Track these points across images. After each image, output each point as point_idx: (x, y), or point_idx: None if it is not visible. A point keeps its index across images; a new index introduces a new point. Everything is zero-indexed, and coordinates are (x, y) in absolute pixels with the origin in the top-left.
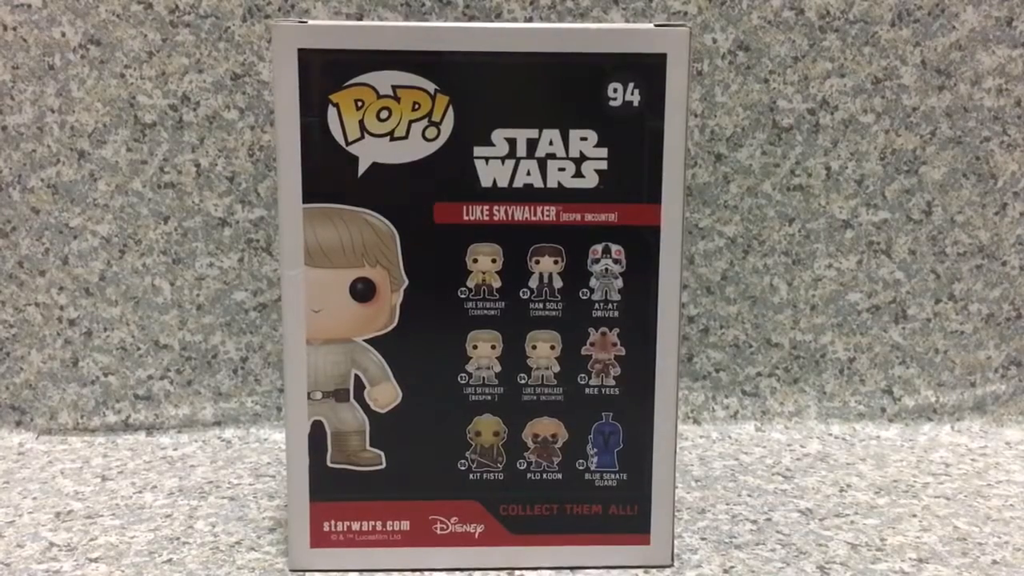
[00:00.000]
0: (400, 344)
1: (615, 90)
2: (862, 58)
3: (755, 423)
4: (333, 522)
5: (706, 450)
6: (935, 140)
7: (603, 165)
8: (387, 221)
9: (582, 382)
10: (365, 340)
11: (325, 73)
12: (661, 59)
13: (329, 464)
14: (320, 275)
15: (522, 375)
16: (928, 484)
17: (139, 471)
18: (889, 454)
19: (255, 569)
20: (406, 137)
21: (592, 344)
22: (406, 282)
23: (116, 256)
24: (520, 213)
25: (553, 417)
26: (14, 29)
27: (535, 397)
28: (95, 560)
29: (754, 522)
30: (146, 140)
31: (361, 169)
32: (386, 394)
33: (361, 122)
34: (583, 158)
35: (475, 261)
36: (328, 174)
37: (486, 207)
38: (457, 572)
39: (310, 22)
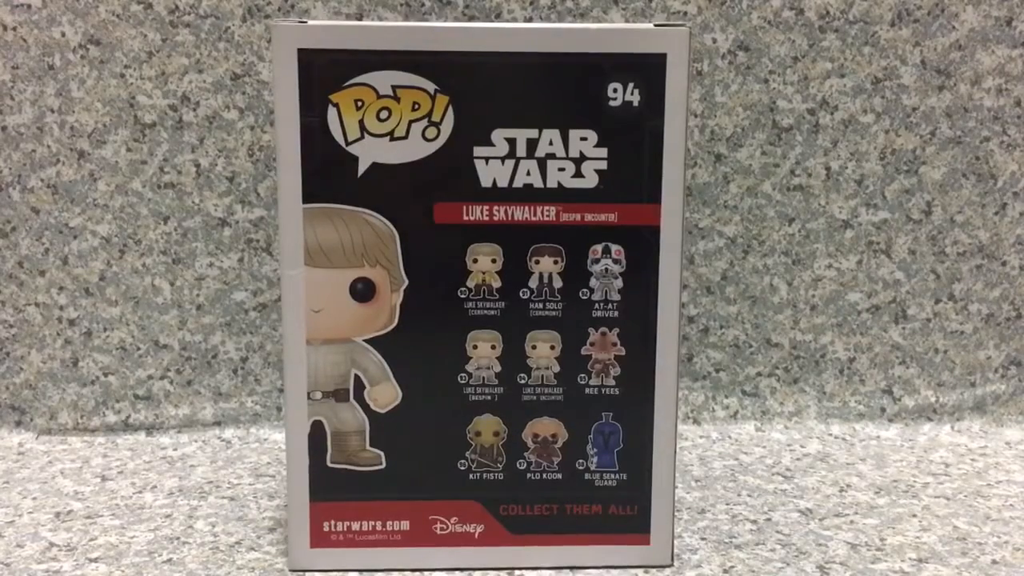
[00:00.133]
0: (400, 344)
1: (615, 90)
2: (862, 58)
3: (755, 423)
4: (333, 522)
5: (706, 450)
6: (935, 140)
7: (603, 165)
8: (387, 221)
9: (582, 382)
10: (365, 340)
11: (325, 73)
12: (661, 59)
13: (329, 464)
14: (320, 275)
15: (522, 375)
16: (928, 484)
17: (139, 471)
18: (889, 454)
19: (255, 569)
20: (406, 137)
21: (592, 344)
22: (406, 282)
23: (116, 256)
24: (520, 213)
25: (553, 417)
26: (14, 29)
27: (535, 397)
28: (95, 560)
29: (754, 522)
30: (146, 140)
31: (361, 169)
32: (386, 394)
33: (361, 122)
34: (583, 158)
35: (475, 261)
36: (328, 174)
37: (486, 207)
38: (457, 572)
39: (310, 22)
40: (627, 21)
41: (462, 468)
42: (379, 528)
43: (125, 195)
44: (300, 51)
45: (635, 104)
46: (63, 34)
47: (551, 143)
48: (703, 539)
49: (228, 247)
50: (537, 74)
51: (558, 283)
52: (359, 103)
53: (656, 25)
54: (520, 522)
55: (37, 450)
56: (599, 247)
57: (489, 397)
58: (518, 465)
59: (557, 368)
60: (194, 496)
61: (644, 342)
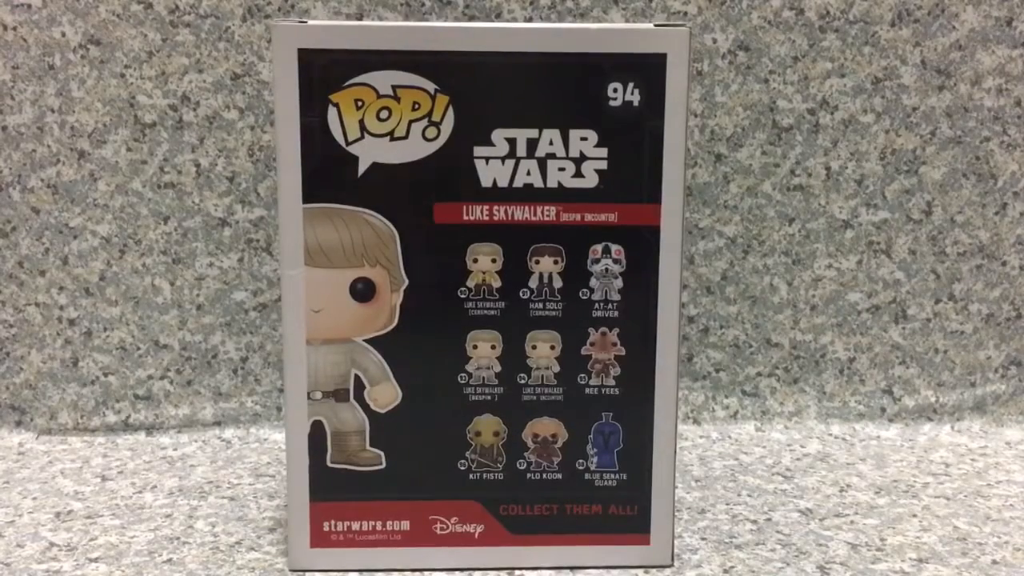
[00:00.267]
0: (400, 344)
1: (615, 90)
2: (862, 58)
3: (755, 423)
4: (333, 522)
5: (706, 450)
6: (935, 140)
7: (603, 165)
8: (387, 221)
9: (582, 382)
10: (365, 340)
11: (325, 73)
12: (661, 59)
13: (329, 464)
14: (320, 275)
15: (522, 375)
16: (928, 484)
17: (139, 471)
18: (889, 454)
19: (255, 569)
20: (406, 137)
21: (592, 344)
22: (406, 282)
23: (116, 256)
24: (520, 213)
25: (553, 417)
26: (14, 29)
27: (535, 397)
28: (95, 560)
29: (754, 522)
30: (146, 140)
31: (361, 169)
32: (386, 394)
33: (361, 122)
34: (583, 158)
35: (475, 261)
36: (328, 174)
37: (486, 207)
38: (457, 572)
39: (310, 22)
40: (627, 21)
41: (462, 468)
42: (379, 528)
43: (125, 195)
44: (300, 51)
45: (635, 104)
46: (63, 34)
47: (551, 143)
48: (703, 539)
49: (228, 247)
50: (537, 74)
51: (558, 283)
52: (359, 103)
53: (656, 25)
54: (520, 522)
55: (37, 450)
56: (599, 247)
57: (489, 397)
58: (518, 465)
59: (557, 368)
60: (194, 496)
61: (644, 342)
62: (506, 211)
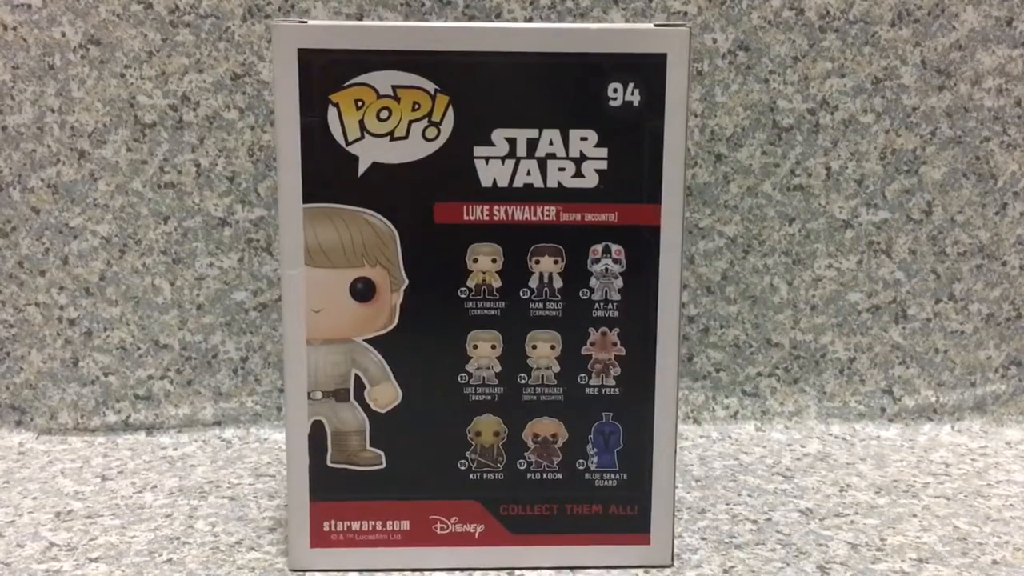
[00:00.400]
0: (400, 344)
1: (615, 90)
2: (862, 58)
3: (755, 423)
4: (333, 522)
5: (706, 450)
6: (935, 140)
7: (603, 165)
8: (387, 221)
9: (582, 382)
10: (365, 340)
11: (325, 73)
12: (661, 59)
13: (329, 464)
14: (320, 275)
15: (522, 375)
16: (928, 484)
17: (139, 471)
18: (889, 454)
19: (255, 569)
20: (406, 137)
21: (592, 344)
22: (406, 282)
23: (116, 256)
24: (520, 213)
25: (553, 417)
26: (14, 29)
27: (535, 397)
28: (95, 560)
29: (754, 522)
30: (146, 140)
31: (361, 169)
32: (386, 394)
33: (361, 122)
34: (583, 158)
35: (475, 261)
36: (328, 174)
37: (486, 207)
38: (457, 572)
39: (310, 22)
40: (627, 21)
41: (462, 468)
42: (379, 528)
43: (125, 195)
44: (300, 51)
45: (635, 104)
46: (63, 34)
47: (551, 143)
48: (703, 539)
49: (228, 247)
50: (537, 74)
51: (558, 283)
52: (359, 103)
53: (656, 25)
54: (520, 522)
55: (37, 450)
56: (599, 247)
57: (489, 397)
58: (518, 465)
59: (557, 368)
60: (194, 496)
61: (644, 342)
62: (506, 211)
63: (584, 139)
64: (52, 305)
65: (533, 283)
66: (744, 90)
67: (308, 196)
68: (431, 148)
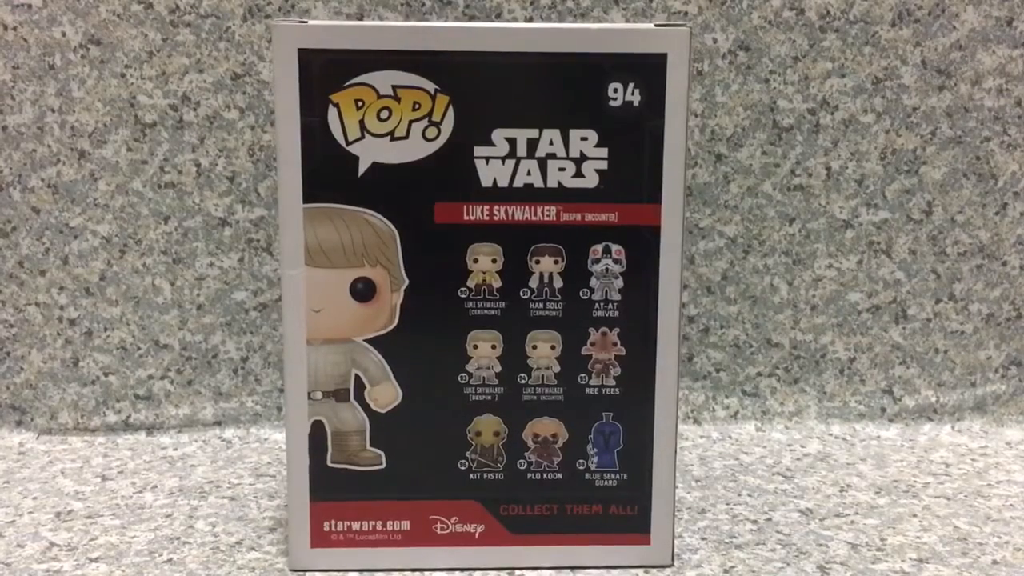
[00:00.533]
0: (400, 344)
1: (615, 90)
2: (862, 58)
3: (755, 423)
4: (333, 522)
5: (706, 450)
6: (935, 140)
7: (603, 165)
8: (387, 221)
9: (582, 382)
10: (365, 340)
11: (325, 73)
12: (661, 59)
13: (329, 464)
14: (320, 275)
15: (522, 375)
16: (928, 484)
17: (139, 471)
18: (889, 454)
19: (255, 569)
20: (406, 137)
21: (592, 344)
22: (406, 282)
23: (116, 256)
24: (520, 213)
25: (553, 417)
26: (14, 29)
27: (535, 397)
28: (95, 560)
29: (754, 522)
30: (146, 140)
31: (361, 169)
32: (386, 394)
33: (361, 122)
34: (583, 158)
35: (475, 261)
36: (328, 174)
37: (486, 207)
38: (457, 572)
39: (310, 22)
40: (627, 21)
41: (462, 468)
42: (379, 528)
43: (125, 195)
44: (300, 51)
45: (635, 104)
46: (64, 34)
47: (551, 143)
48: (703, 539)
49: (228, 247)
50: (537, 74)
51: (558, 283)
52: (359, 103)
53: (656, 25)
54: (520, 522)
55: (37, 450)
56: (599, 247)
57: (489, 397)
58: (518, 465)
59: (557, 368)
60: (194, 496)
61: (644, 342)
62: (506, 211)
63: (584, 139)
64: (52, 305)
65: (533, 283)
66: (744, 90)
67: (308, 196)
68: (431, 148)
